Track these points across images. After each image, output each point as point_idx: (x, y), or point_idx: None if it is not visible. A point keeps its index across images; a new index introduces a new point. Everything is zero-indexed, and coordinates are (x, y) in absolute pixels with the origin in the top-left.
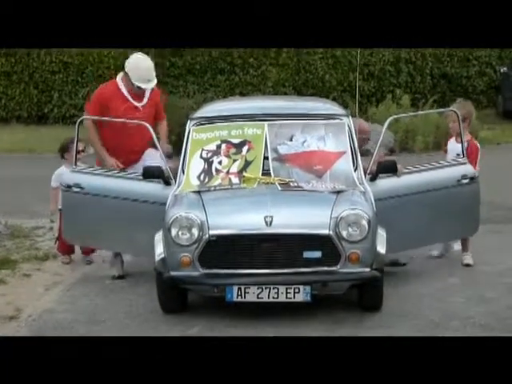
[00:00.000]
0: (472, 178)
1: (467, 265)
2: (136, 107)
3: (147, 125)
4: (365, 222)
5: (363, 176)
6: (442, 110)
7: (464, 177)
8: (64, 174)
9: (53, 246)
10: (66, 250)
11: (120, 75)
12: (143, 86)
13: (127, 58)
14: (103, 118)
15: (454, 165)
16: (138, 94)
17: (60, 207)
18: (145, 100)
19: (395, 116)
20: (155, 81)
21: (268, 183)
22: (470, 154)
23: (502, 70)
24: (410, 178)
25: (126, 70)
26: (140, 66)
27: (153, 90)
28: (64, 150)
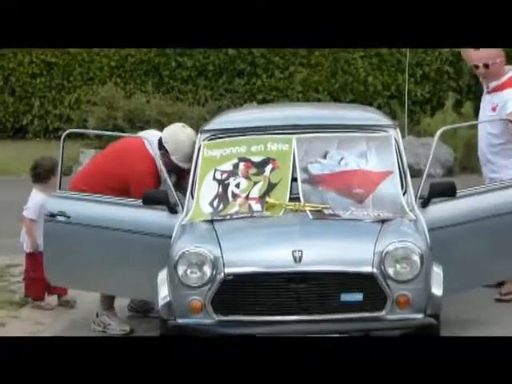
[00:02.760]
0: None
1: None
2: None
3: (145, 140)
4: (416, 258)
5: (414, 201)
6: (507, 118)
7: None
8: (43, 204)
9: None
10: (38, 293)
11: (154, 152)
12: (186, 166)
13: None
14: (94, 132)
15: None
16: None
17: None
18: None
19: (448, 127)
20: None
21: (297, 210)
22: None
23: None
24: (468, 203)
25: (166, 145)
26: (184, 142)
27: None
28: (50, 172)
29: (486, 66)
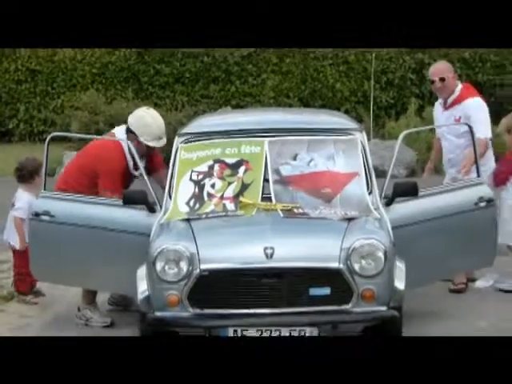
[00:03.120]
0: (489, 201)
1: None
2: (132, 174)
3: (128, 143)
4: (381, 254)
5: (379, 200)
6: (464, 123)
7: (481, 199)
8: (31, 203)
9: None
10: (25, 288)
11: (123, 137)
12: (155, 144)
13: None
14: (77, 135)
15: (470, 185)
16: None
17: (11, 241)
18: (141, 167)
19: (411, 130)
20: (165, 138)
21: (269, 210)
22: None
23: None
24: (427, 202)
25: (136, 131)
26: (150, 122)
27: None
28: (34, 172)
29: (442, 79)
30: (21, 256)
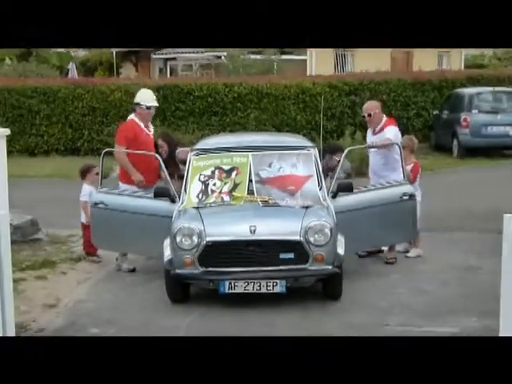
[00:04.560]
0: (411, 196)
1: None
2: (148, 134)
3: (157, 156)
4: (328, 231)
5: (326, 194)
6: (388, 143)
7: (404, 194)
8: (91, 191)
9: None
10: (93, 249)
11: (132, 115)
12: (154, 104)
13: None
14: (123, 150)
15: (397, 185)
16: (147, 125)
17: (82, 220)
18: (151, 129)
19: (351, 147)
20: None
21: (252, 201)
22: (413, 171)
23: (434, 113)
24: (362, 196)
25: (139, 100)
26: (146, 93)
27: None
28: (86, 172)
29: (369, 115)
30: (88, 228)
